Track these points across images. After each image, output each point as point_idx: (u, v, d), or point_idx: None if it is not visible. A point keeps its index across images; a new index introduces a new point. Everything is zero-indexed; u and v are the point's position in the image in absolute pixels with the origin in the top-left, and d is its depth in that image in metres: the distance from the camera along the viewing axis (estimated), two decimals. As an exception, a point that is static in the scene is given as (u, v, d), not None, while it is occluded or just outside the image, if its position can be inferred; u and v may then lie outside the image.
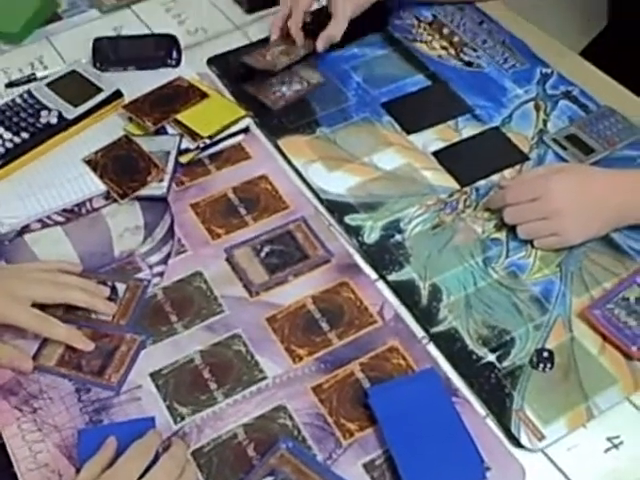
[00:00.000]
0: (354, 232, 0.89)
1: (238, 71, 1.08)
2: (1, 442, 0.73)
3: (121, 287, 0.83)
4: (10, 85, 1.07)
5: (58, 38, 1.15)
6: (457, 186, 0.94)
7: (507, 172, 0.95)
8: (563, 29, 1.26)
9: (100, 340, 0.79)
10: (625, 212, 0.87)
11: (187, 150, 0.96)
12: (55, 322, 0.78)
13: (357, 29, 1.13)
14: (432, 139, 0.99)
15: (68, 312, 0.81)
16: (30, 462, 0.71)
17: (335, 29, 1.06)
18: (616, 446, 0.72)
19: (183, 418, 0.74)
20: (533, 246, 0.87)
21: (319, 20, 1.09)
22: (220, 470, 0.71)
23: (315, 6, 1.11)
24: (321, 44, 1.07)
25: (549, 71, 1.08)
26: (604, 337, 0.79)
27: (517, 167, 0.96)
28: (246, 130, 0.99)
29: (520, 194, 0.86)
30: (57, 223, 0.90)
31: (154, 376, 0.77)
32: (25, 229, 0.90)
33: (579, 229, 0.86)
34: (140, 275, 0.85)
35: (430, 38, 1.14)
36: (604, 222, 0.87)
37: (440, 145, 0.98)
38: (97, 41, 1.09)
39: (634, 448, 0.72)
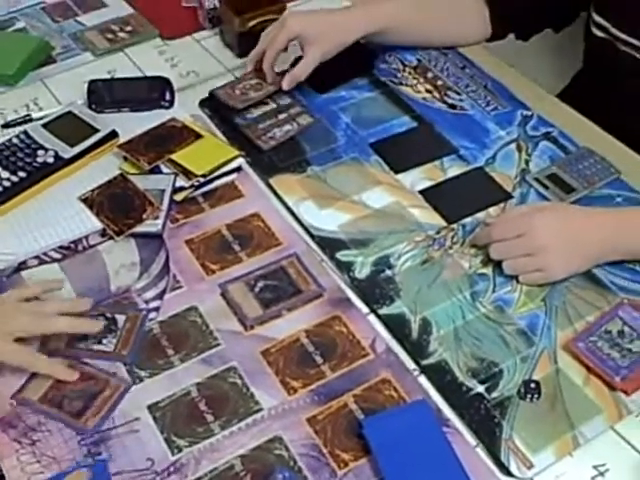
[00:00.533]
0: (345, 267, 0.92)
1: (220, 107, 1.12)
2: (1, 474, 0.74)
3: (120, 318, 0.85)
4: (6, 126, 1.09)
5: (52, 80, 1.18)
6: (444, 223, 0.97)
7: (492, 210, 0.98)
8: (541, 72, 1.31)
9: (86, 382, 0.80)
10: (605, 249, 0.90)
11: (181, 188, 0.99)
12: (37, 356, 0.79)
13: (345, 73, 1.17)
14: (419, 178, 1.03)
15: (70, 345, 0.82)
16: (29, 495, 0.72)
17: (300, 70, 1.10)
18: (602, 474, 0.75)
19: (180, 450, 0.75)
20: (518, 281, 0.90)
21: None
22: (218, 501, 0.72)
23: (293, 52, 1.14)
24: (286, 83, 1.11)
25: (529, 113, 1.12)
26: (588, 369, 0.82)
27: (501, 205, 0.99)
28: (238, 169, 1.02)
29: (505, 231, 0.90)
30: (54, 260, 0.92)
31: (152, 408, 0.78)
32: (22, 265, 0.91)
33: (562, 265, 0.89)
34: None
35: (415, 82, 1.18)
36: (586, 258, 0.90)
37: (427, 184, 1.02)
38: (92, 83, 1.12)
39: (619, 475, 0.74)
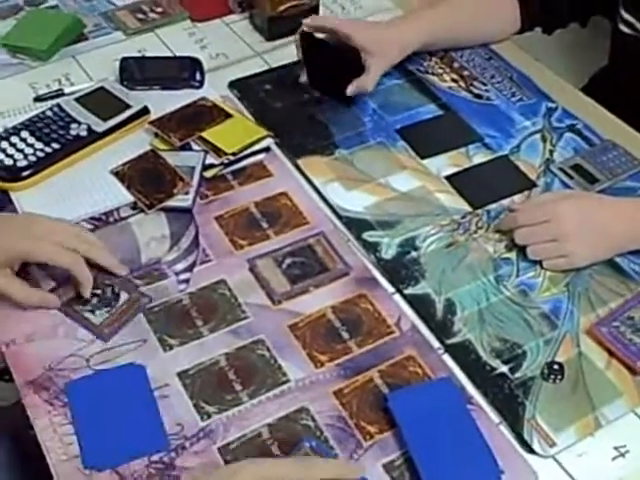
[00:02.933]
0: (372, 248, 0.93)
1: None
2: (34, 434, 0.76)
3: (124, 297, 0.86)
4: (38, 99, 1.10)
5: (84, 57, 1.19)
6: (469, 208, 0.98)
7: (516, 197, 1.00)
8: (565, 68, 1.32)
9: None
10: (627, 239, 0.92)
11: (211, 166, 1.00)
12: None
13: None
14: (445, 164, 1.04)
15: (67, 303, 0.86)
16: (61, 453, 0.74)
17: (367, 83, 1.09)
18: (623, 455, 0.76)
19: (209, 416, 0.77)
20: (542, 267, 0.91)
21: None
22: (246, 466, 0.73)
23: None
24: (351, 90, 1.09)
25: (554, 105, 1.14)
26: (610, 353, 0.83)
27: (525, 193, 1.01)
28: (267, 149, 1.04)
29: (531, 216, 0.91)
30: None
31: (181, 375, 0.80)
32: (54, 234, 0.93)
33: (585, 252, 0.90)
34: (166, 281, 0.88)
35: (441, 71, 1.19)
36: (609, 247, 0.91)
37: (452, 170, 1.03)
38: (124, 60, 1.13)
39: (640, 457, 0.76)
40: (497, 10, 1.21)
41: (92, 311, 0.85)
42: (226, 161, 1.00)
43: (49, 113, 1.03)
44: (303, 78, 1.14)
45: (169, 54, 1.20)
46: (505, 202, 0.99)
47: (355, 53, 1.07)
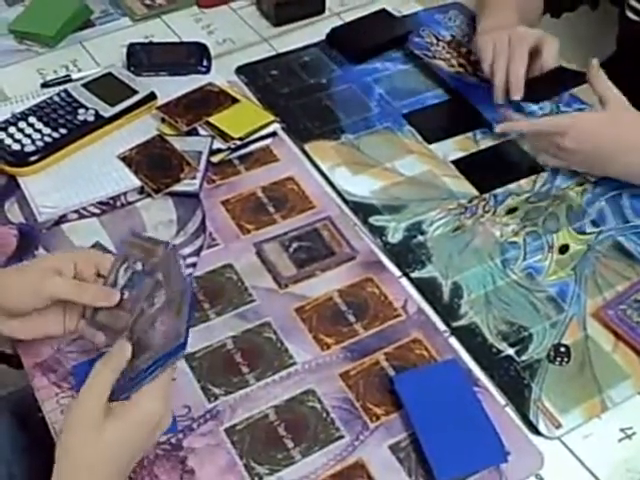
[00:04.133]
0: (378, 232, 0.93)
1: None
2: (42, 415, 0.76)
3: None
4: (45, 85, 1.11)
5: (91, 43, 1.20)
6: (476, 192, 0.98)
7: (523, 181, 1.00)
8: (573, 55, 1.31)
9: None
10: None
11: (218, 150, 1.00)
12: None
13: (379, 45, 1.19)
14: (451, 149, 1.04)
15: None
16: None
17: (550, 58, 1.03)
18: (629, 437, 0.76)
19: (216, 398, 0.77)
20: (549, 251, 0.91)
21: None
22: (252, 447, 0.74)
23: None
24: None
25: (562, 90, 1.13)
26: (617, 336, 0.83)
27: (532, 177, 1.00)
28: (274, 134, 1.04)
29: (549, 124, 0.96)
30: (93, 214, 0.94)
31: (188, 358, 0.80)
32: (62, 219, 0.93)
33: (581, 165, 0.97)
34: (173, 265, 0.89)
35: (448, 56, 1.19)
36: (606, 171, 0.97)
37: (459, 155, 1.03)
38: (132, 46, 1.14)
39: (646, 438, 0.76)
40: None
41: None
42: (233, 146, 1.00)
43: (56, 99, 1.03)
44: None
45: (176, 40, 1.20)
46: (512, 186, 0.99)
47: None
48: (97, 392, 0.65)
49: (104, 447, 0.63)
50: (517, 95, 1.00)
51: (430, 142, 1.05)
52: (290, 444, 0.74)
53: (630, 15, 1.17)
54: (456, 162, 1.02)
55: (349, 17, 1.24)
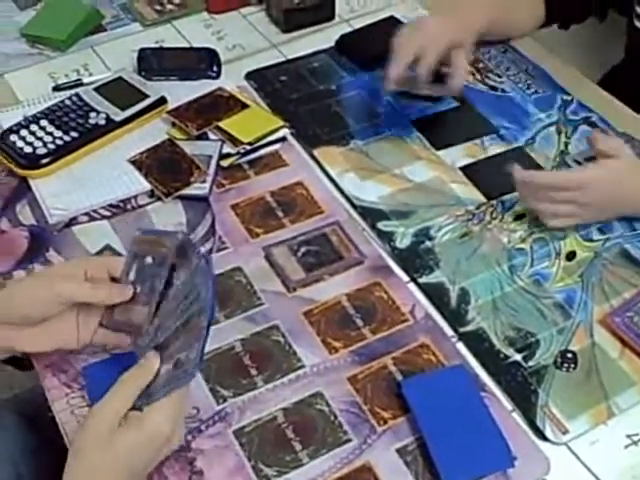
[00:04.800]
0: (386, 237, 0.94)
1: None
2: (51, 416, 0.77)
3: None
4: (57, 89, 1.12)
5: (102, 48, 1.21)
6: (484, 199, 0.99)
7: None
8: (580, 63, 1.32)
9: None
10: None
11: (228, 155, 1.01)
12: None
13: (388, 52, 1.19)
14: (460, 155, 1.05)
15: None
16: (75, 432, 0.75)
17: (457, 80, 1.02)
18: (635, 443, 0.76)
19: (225, 400, 0.78)
20: (557, 257, 0.92)
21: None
22: (261, 449, 0.74)
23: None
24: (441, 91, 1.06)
25: (569, 98, 1.14)
26: (624, 343, 0.84)
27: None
28: (283, 139, 1.05)
29: (556, 181, 0.92)
30: (103, 217, 0.95)
31: (197, 360, 0.81)
32: (73, 221, 0.94)
33: (595, 217, 0.94)
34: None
35: (457, 63, 1.19)
36: (619, 213, 0.95)
37: (467, 161, 1.04)
38: (142, 51, 1.15)
39: (653, 445, 0.76)
40: (530, 2, 1.21)
41: None
42: (242, 150, 1.01)
43: (68, 102, 1.04)
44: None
45: (186, 45, 1.21)
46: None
47: None
48: (116, 407, 0.65)
49: (115, 452, 0.64)
50: (390, 86, 1.01)
51: (438, 148, 1.05)
52: (298, 446, 0.75)
53: (638, 24, 1.18)
54: (464, 168, 1.03)
55: (358, 24, 1.25)
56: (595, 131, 0.94)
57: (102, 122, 1.01)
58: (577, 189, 0.90)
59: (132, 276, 0.74)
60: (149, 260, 0.74)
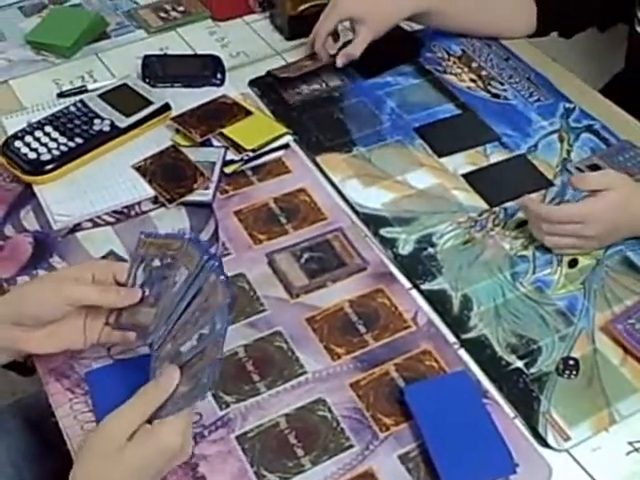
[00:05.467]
0: (389, 244, 0.94)
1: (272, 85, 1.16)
2: (55, 421, 0.77)
3: None
4: (61, 95, 1.12)
5: (107, 55, 1.21)
6: (486, 206, 0.99)
7: (534, 196, 1.00)
8: (581, 71, 1.32)
9: None
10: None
11: (231, 162, 1.01)
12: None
13: (391, 59, 1.20)
14: (462, 162, 1.05)
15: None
16: (82, 440, 0.75)
17: (354, 48, 1.13)
18: (637, 450, 0.77)
19: (228, 406, 0.78)
20: (559, 264, 0.92)
21: None
22: (263, 455, 0.75)
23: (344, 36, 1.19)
24: (340, 60, 1.14)
25: (572, 106, 1.14)
26: (625, 350, 0.84)
27: (542, 192, 1.01)
28: (287, 146, 1.05)
29: (560, 216, 0.91)
30: (107, 223, 0.95)
31: (200, 366, 0.81)
32: (77, 227, 0.94)
33: (601, 244, 0.93)
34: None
35: (459, 71, 1.20)
36: (623, 236, 0.94)
37: (470, 168, 1.04)
38: (147, 58, 1.15)
39: (654, 452, 0.76)
40: (511, 5, 1.22)
41: None
42: (246, 157, 1.02)
43: (73, 109, 1.04)
44: None
45: (190, 52, 1.22)
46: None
47: None
48: (130, 420, 0.66)
49: (125, 464, 0.64)
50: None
51: (441, 156, 1.06)
52: (300, 452, 0.75)
53: (639, 28, 1.18)
54: (466, 176, 1.03)
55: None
56: (571, 178, 0.94)
57: (106, 129, 1.02)
58: (577, 223, 0.90)
59: (140, 279, 0.75)
60: (157, 263, 0.74)
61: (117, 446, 0.64)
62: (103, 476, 0.64)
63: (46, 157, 0.98)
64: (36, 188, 0.98)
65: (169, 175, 0.99)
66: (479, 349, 0.84)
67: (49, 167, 0.98)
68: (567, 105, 1.15)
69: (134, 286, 0.75)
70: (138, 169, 1.00)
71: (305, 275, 0.90)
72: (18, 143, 0.99)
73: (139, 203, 0.97)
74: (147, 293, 0.74)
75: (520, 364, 0.83)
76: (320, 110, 1.12)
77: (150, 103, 1.06)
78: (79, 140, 1.00)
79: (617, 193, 0.90)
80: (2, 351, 0.76)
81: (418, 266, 0.92)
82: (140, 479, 0.66)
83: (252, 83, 1.17)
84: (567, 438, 0.77)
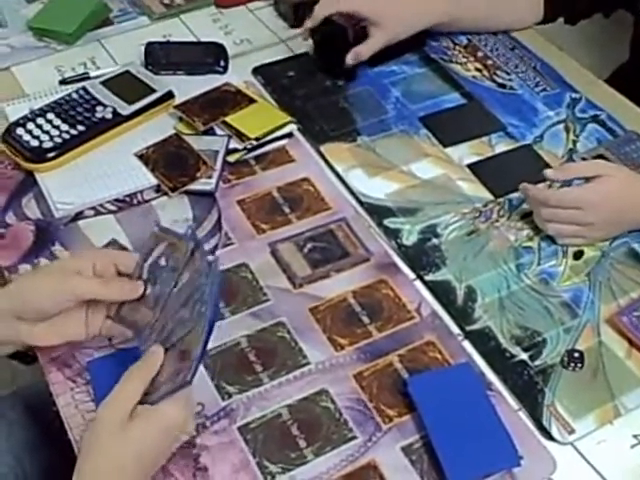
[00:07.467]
0: (393, 234, 0.93)
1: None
2: (56, 410, 0.77)
3: None
4: (64, 82, 1.11)
5: (109, 41, 1.20)
6: (491, 197, 0.98)
7: (540, 186, 0.99)
8: (586, 61, 1.31)
9: None
10: None
11: (234, 150, 1.01)
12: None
13: (396, 48, 1.19)
14: (467, 153, 1.04)
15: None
16: (83, 430, 0.75)
17: (366, 49, 1.10)
18: (642, 443, 0.76)
19: (230, 396, 0.78)
20: (564, 256, 0.91)
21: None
22: (265, 446, 0.74)
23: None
24: (350, 58, 1.11)
25: (578, 96, 1.13)
26: (631, 342, 0.83)
27: (547, 182, 1.00)
28: (290, 135, 1.04)
29: (560, 200, 0.90)
30: (110, 212, 0.94)
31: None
32: (79, 215, 0.94)
33: (604, 236, 0.92)
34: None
35: (465, 60, 1.19)
36: (628, 225, 0.93)
37: (475, 159, 1.03)
38: (150, 45, 1.14)
39: (659, 445, 0.76)
40: None
41: None
42: (249, 146, 1.01)
43: (75, 96, 1.04)
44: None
45: (194, 39, 1.21)
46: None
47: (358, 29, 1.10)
48: (124, 400, 0.66)
49: (129, 444, 0.64)
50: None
51: (446, 146, 1.05)
52: (303, 443, 0.75)
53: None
54: (471, 166, 1.02)
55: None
56: (551, 171, 0.93)
57: (109, 116, 1.01)
58: (577, 209, 0.89)
59: (145, 274, 0.74)
60: (163, 262, 0.74)
61: (120, 425, 0.64)
62: (112, 456, 0.64)
63: (48, 144, 0.97)
64: (38, 176, 0.97)
65: (172, 163, 0.98)
66: (483, 341, 0.83)
67: (51, 155, 0.97)
68: (573, 95, 1.14)
69: (140, 278, 0.75)
70: (140, 157, 0.99)
71: (308, 265, 0.90)
72: (20, 130, 0.98)
73: (141, 191, 0.97)
74: (148, 292, 0.74)
75: (525, 356, 0.82)
76: (324, 99, 1.11)
77: (153, 91, 1.05)
78: (81, 127, 0.99)
79: (616, 180, 0.89)
80: (5, 343, 0.77)
81: (422, 257, 0.91)
82: (148, 454, 0.66)
83: (255, 71, 1.16)
84: (571, 431, 0.76)
